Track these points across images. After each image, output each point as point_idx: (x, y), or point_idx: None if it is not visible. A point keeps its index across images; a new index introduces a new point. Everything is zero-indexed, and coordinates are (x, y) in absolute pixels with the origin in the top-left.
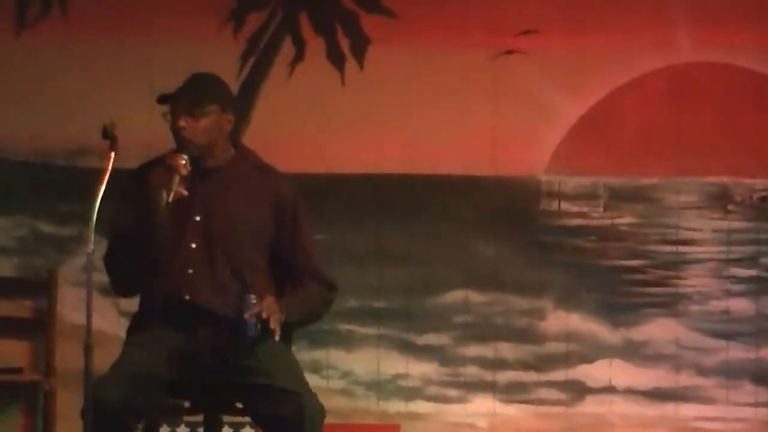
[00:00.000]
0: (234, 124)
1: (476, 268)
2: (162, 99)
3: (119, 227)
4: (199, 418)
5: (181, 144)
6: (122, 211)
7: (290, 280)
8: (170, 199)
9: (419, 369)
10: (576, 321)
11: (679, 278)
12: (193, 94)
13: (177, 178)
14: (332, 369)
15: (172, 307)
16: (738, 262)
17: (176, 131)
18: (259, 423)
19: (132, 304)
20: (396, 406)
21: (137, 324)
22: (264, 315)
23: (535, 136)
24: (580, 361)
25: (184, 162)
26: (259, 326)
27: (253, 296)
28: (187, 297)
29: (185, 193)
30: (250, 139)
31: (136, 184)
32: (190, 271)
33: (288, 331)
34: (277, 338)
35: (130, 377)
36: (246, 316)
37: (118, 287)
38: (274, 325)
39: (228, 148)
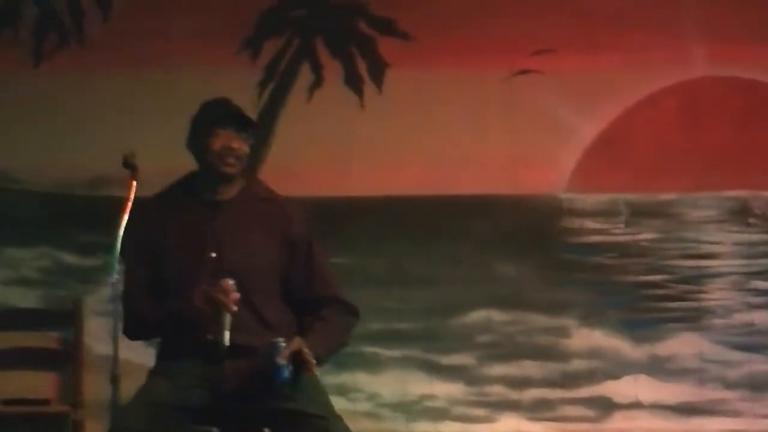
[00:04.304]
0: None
1: (498, 288)
2: (217, 113)
3: (138, 307)
4: None
5: (221, 160)
6: (138, 280)
7: (309, 308)
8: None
9: (445, 389)
10: (600, 338)
11: (702, 292)
12: (245, 118)
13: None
14: (358, 392)
15: (194, 344)
16: (759, 274)
17: (226, 151)
18: None
19: None
20: (423, 426)
21: (163, 355)
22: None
23: (553, 154)
24: (605, 377)
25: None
26: (291, 368)
27: (281, 339)
28: (210, 336)
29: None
30: (270, 164)
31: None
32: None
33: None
34: (316, 372)
35: (153, 405)
36: (278, 359)
37: (134, 339)
38: (310, 358)
39: (239, 179)
